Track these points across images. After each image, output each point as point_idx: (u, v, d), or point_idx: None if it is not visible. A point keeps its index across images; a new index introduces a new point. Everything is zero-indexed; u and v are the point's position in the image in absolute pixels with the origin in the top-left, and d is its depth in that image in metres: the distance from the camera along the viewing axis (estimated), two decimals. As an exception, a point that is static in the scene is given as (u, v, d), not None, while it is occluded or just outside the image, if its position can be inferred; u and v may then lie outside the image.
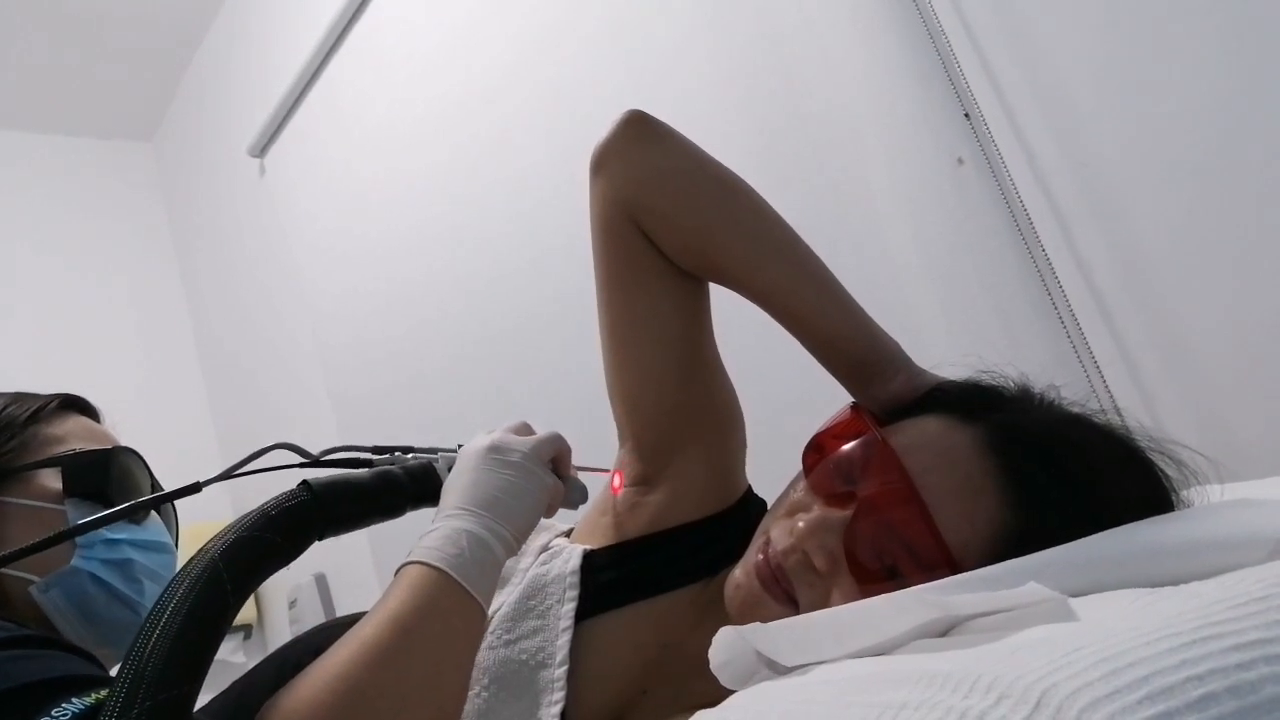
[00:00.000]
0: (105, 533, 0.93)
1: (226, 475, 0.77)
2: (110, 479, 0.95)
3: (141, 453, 1.02)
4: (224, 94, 3.10)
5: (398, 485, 0.75)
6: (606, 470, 0.87)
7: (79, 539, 0.91)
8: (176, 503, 1.05)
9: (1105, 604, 0.45)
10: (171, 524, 1.06)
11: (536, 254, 1.96)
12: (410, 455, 0.81)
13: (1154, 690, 0.31)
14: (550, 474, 0.78)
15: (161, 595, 0.58)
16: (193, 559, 0.61)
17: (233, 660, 2.84)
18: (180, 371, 3.30)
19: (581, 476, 0.86)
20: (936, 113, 1.27)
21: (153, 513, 1.00)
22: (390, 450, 0.82)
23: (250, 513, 0.66)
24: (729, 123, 1.53)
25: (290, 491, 0.69)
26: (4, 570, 0.89)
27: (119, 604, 0.93)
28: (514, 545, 0.73)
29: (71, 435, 0.99)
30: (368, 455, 0.80)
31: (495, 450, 0.76)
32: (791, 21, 1.47)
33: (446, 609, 0.66)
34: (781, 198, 0.86)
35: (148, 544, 0.98)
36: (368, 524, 0.73)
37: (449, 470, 0.78)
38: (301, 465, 0.78)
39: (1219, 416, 1.05)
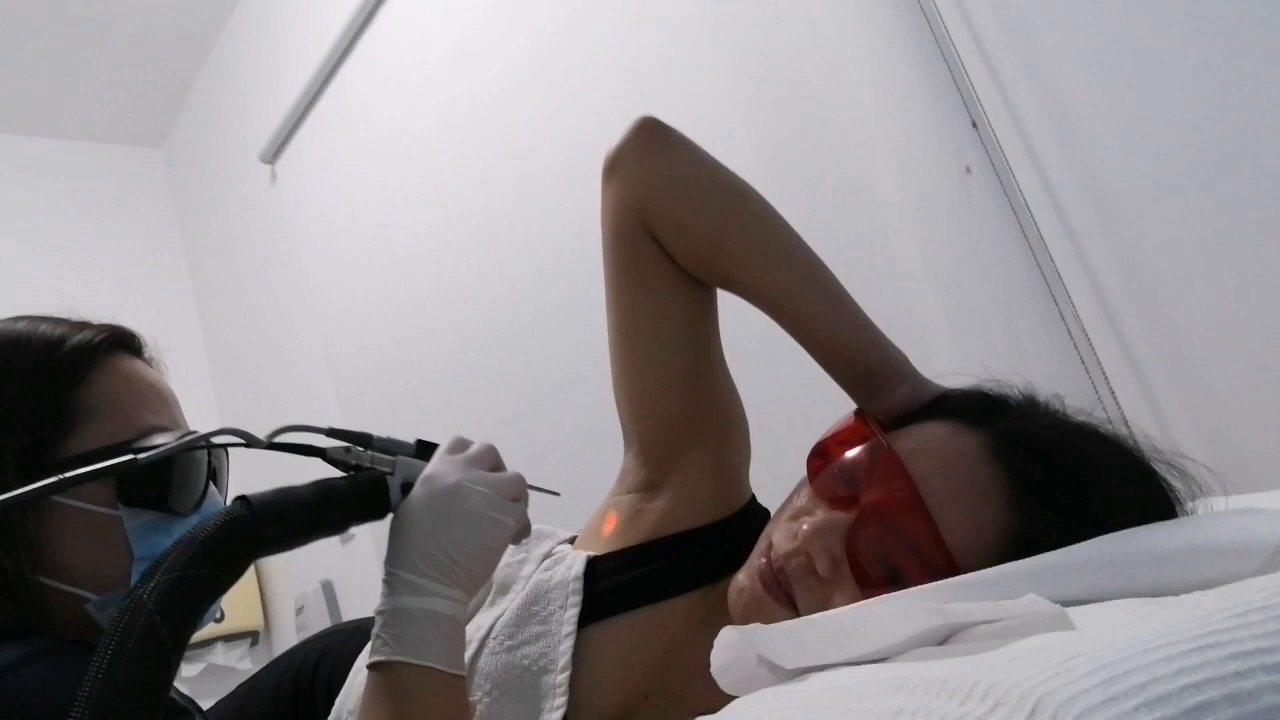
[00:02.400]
0: (165, 541, 0.78)
1: (169, 451, 0.70)
2: (171, 485, 0.81)
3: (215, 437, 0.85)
4: (235, 100, 3.12)
5: (342, 501, 0.71)
6: (557, 493, 0.84)
7: (138, 551, 0.79)
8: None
9: (1103, 614, 0.45)
10: (223, 479, 0.91)
11: (546, 260, 1.97)
12: (367, 451, 0.76)
13: (1150, 698, 0.31)
14: (512, 515, 0.74)
15: (95, 660, 0.54)
16: (124, 610, 0.57)
17: (239, 667, 2.85)
18: (190, 377, 3.30)
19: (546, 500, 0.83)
20: (944, 122, 1.27)
21: (211, 487, 0.86)
22: (346, 436, 0.76)
23: (185, 540, 0.61)
24: (737, 131, 1.54)
25: (229, 510, 0.64)
26: (53, 584, 0.77)
27: None
28: (468, 601, 0.72)
29: (120, 399, 0.83)
30: (322, 440, 0.75)
31: (461, 491, 0.72)
32: (799, 30, 1.47)
33: (454, 709, 0.68)
34: (789, 206, 0.87)
35: None
36: (309, 542, 0.69)
37: (401, 485, 0.74)
38: (248, 446, 0.73)
39: (1225, 427, 1.05)
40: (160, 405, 0.87)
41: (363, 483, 0.73)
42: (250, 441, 0.72)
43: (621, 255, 0.87)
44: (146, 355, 0.93)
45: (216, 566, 0.61)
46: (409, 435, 0.81)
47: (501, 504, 0.73)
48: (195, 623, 0.59)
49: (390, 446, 0.77)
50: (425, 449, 0.78)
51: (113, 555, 0.79)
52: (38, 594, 0.77)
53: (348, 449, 0.75)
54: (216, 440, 0.72)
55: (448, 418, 2.23)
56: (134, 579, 0.78)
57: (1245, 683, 0.32)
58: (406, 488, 0.74)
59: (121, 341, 0.89)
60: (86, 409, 0.81)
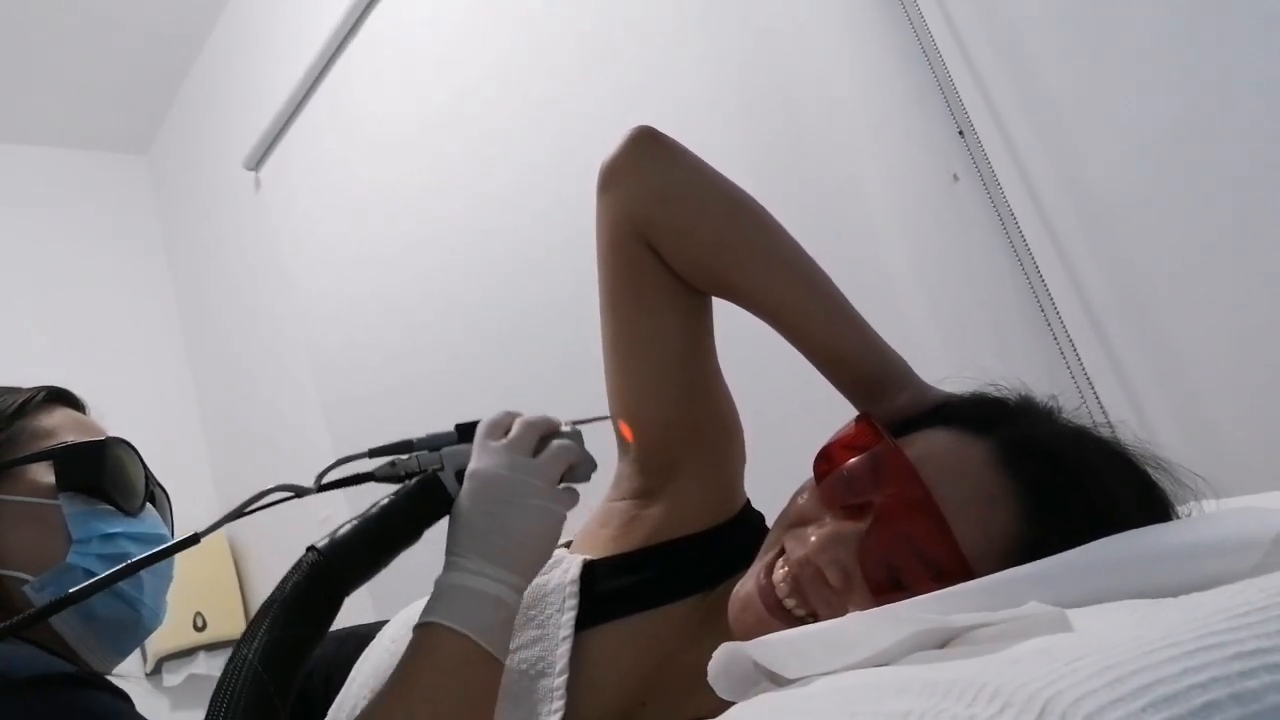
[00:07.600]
0: (101, 527, 0.89)
1: (224, 522, 0.73)
2: (104, 471, 0.91)
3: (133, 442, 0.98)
4: (220, 107, 3.10)
5: (403, 513, 0.72)
6: (605, 417, 0.85)
7: (75, 534, 0.88)
8: (172, 504, 1.03)
9: (1105, 615, 0.46)
10: (167, 515, 1.01)
11: (532, 264, 1.97)
12: (411, 456, 0.76)
13: (1157, 698, 0.31)
14: (563, 503, 0.74)
15: (209, 716, 0.59)
16: (230, 672, 0.62)
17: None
18: (173, 384, 3.29)
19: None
20: (931, 130, 1.28)
21: (148, 504, 0.96)
22: (388, 451, 0.77)
23: (273, 600, 0.65)
24: (723, 141, 1.54)
25: (305, 563, 0.67)
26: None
27: (117, 601, 0.89)
28: (525, 588, 0.73)
29: (61, 428, 0.94)
30: (365, 466, 0.76)
31: (509, 486, 0.72)
32: (786, 38, 1.48)
33: (481, 688, 0.68)
34: (777, 213, 0.86)
35: (144, 537, 0.93)
36: (389, 563, 0.72)
37: (455, 474, 0.74)
38: (300, 496, 0.74)
39: (1210, 429, 1.06)
40: (101, 433, 0.97)
41: (416, 491, 0.74)
42: (300, 492, 0.74)
43: (618, 266, 0.86)
44: (88, 413, 1.02)
45: (310, 623, 0.66)
46: (408, 429, 0.81)
47: (549, 491, 0.73)
48: (297, 678, 0.64)
49: (432, 442, 0.77)
50: (467, 431, 0.78)
51: (52, 540, 0.88)
52: None
53: (392, 463, 0.76)
54: (269, 499, 0.74)
55: (433, 419, 2.22)
56: (71, 558, 0.87)
57: (1250, 682, 0.32)
58: (461, 474, 0.74)
59: (59, 395, 0.99)
60: (31, 431, 0.92)
